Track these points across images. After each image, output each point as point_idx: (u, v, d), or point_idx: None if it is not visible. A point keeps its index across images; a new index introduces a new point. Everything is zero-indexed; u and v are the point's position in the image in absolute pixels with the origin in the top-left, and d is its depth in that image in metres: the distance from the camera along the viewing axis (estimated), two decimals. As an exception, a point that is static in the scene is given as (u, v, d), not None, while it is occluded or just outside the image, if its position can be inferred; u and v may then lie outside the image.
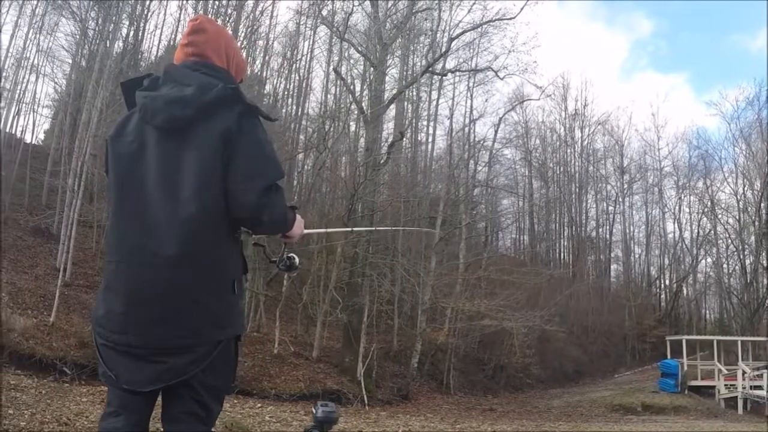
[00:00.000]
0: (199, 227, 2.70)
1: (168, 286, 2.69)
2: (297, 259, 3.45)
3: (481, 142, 36.78)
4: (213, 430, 2.93)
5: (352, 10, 26.43)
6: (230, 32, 3.53)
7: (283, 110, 33.85)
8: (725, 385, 29.73)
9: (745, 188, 47.23)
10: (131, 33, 31.13)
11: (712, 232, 49.65)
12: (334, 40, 32.94)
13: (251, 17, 29.82)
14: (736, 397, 28.63)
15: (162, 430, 2.87)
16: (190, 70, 2.95)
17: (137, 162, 2.82)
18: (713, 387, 30.39)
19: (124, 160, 2.86)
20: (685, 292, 52.33)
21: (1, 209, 21.42)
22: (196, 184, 2.70)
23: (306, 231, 3.43)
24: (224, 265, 2.82)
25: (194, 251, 2.69)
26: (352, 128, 32.04)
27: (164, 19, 46.42)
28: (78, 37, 29.85)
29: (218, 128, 2.74)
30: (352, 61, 32.15)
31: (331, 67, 31.60)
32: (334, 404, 4.02)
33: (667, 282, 53.79)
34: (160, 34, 35.83)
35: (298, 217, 3.16)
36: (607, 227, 54.80)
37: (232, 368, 2.99)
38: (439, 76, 34.18)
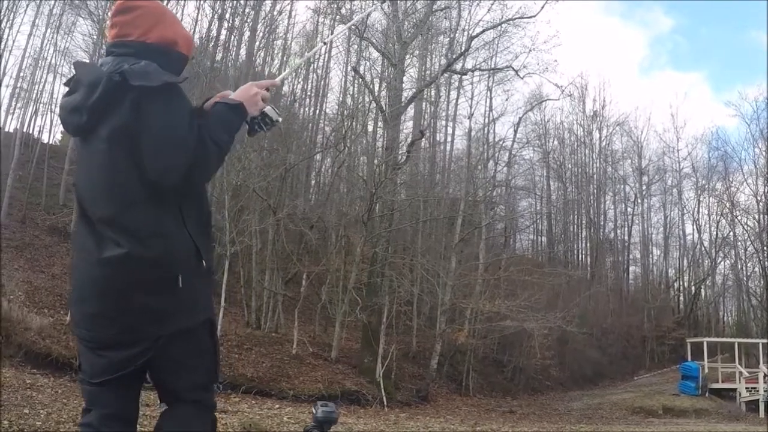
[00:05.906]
0: (124, 228, 2.68)
1: (105, 285, 2.71)
2: (272, 110, 3.00)
3: (501, 143, 36.64)
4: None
5: (372, 8, 26.23)
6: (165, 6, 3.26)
7: (302, 110, 33.82)
8: (746, 388, 29.54)
9: (766, 189, 46.68)
10: (148, 33, 31.08)
11: (731, 234, 49.25)
12: (352, 39, 32.86)
13: (269, 17, 29.85)
14: (758, 400, 28.44)
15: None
16: (107, 56, 2.89)
17: (77, 167, 3.01)
18: (734, 390, 30.24)
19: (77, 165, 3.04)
20: (703, 294, 51.89)
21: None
22: (110, 185, 2.72)
23: (265, 84, 3.05)
24: (163, 262, 2.72)
25: (127, 252, 2.64)
26: (370, 128, 31.96)
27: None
28: (95, 36, 29.90)
29: (116, 124, 2.69)
30: (370, 61, 32.05)
31: (350, 67, 31.48)
32: (334, 404, 4.10)
33: (686, 284, 53.29)
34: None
35: (237, 93, 2.93)
36: (626, 229, 54.24)
37: (208, 361, 2.97)
38: (459, 76, 33.96)
